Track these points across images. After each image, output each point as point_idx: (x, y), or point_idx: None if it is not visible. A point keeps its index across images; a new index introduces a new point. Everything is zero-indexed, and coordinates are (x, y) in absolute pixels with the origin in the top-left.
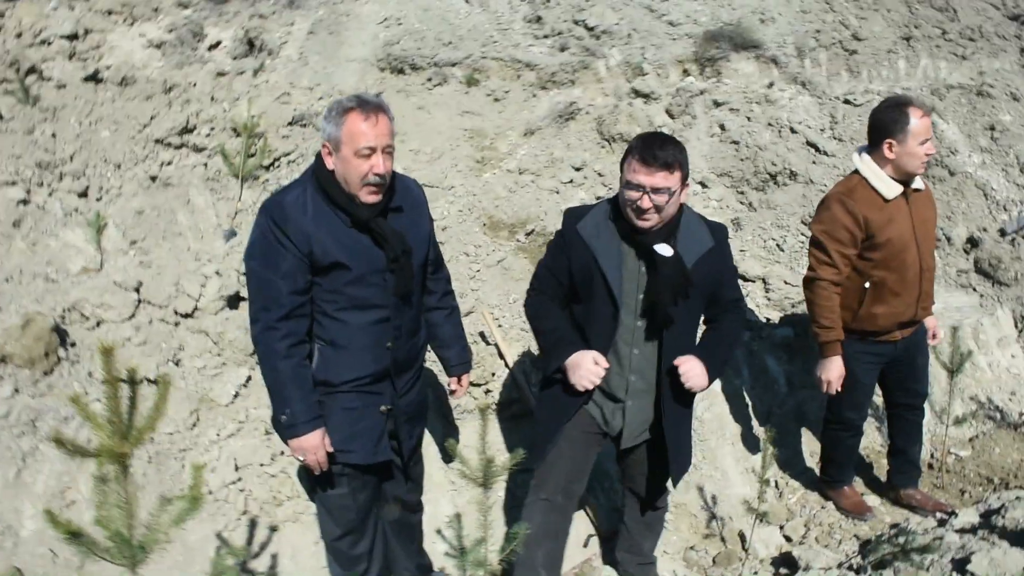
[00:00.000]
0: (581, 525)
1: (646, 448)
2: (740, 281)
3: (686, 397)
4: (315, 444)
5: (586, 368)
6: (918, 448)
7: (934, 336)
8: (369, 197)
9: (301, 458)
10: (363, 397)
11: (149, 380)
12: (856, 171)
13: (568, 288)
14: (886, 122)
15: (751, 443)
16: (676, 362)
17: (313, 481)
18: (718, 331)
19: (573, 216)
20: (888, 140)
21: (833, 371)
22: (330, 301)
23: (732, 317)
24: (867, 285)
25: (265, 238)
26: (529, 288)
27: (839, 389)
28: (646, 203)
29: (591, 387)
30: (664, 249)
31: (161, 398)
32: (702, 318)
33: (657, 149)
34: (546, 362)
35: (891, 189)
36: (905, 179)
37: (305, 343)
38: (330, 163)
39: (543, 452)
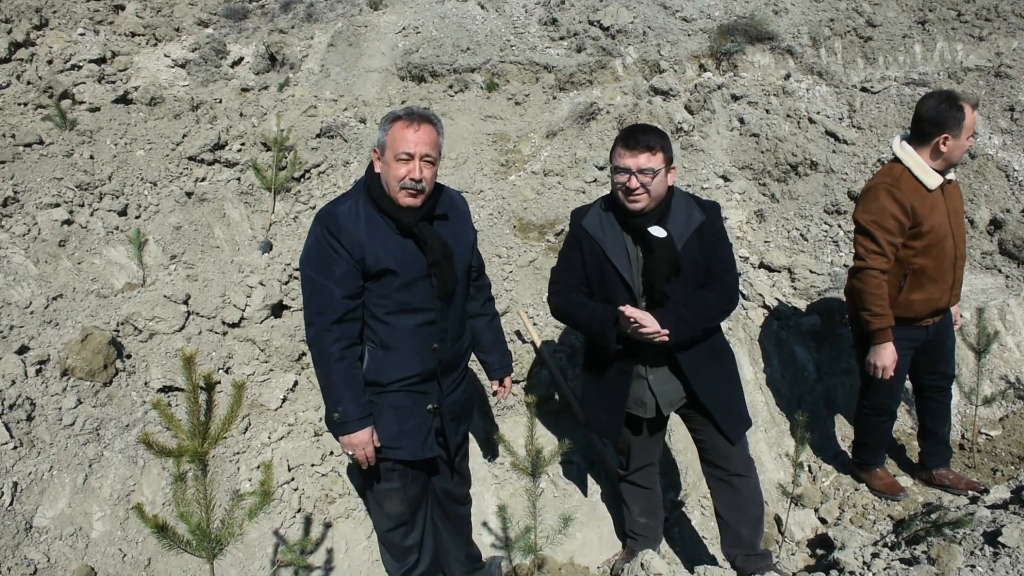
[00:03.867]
0: (616, 524)
1: (699, 416)
2: (766, 272)
3: (709, 359)
4: (364, 440)
5: (624, 318)
6: (947, 429)
7: (956, 321)
8: (406, 200)
9: (351, 453)
10: (411, 396)
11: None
12: (897, 160)
13: (586, 281)
14: (944, 117)
15: (783, 429)
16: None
17: (366, 477)
18: (691, 296)
19: (578, 215)
20: (944, 135)
21: (887, 357)
22: (380, 305)
23: (711, 292)
24: (907, 273)
25: (320, 246)
26: (550, 294)
27: (892, 375)
28: (634, 183)
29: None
30: (657, 231)
31: (236, 401)
32: None
33: (639, 134)
34: (604, 342)
35: (934, 180)
36: (946, 170)
37: (357, 345)
38: (378, 167)
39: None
